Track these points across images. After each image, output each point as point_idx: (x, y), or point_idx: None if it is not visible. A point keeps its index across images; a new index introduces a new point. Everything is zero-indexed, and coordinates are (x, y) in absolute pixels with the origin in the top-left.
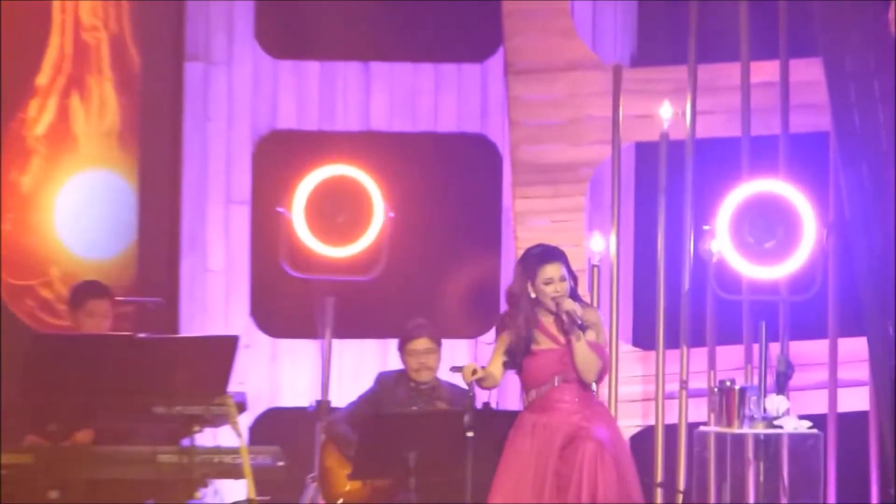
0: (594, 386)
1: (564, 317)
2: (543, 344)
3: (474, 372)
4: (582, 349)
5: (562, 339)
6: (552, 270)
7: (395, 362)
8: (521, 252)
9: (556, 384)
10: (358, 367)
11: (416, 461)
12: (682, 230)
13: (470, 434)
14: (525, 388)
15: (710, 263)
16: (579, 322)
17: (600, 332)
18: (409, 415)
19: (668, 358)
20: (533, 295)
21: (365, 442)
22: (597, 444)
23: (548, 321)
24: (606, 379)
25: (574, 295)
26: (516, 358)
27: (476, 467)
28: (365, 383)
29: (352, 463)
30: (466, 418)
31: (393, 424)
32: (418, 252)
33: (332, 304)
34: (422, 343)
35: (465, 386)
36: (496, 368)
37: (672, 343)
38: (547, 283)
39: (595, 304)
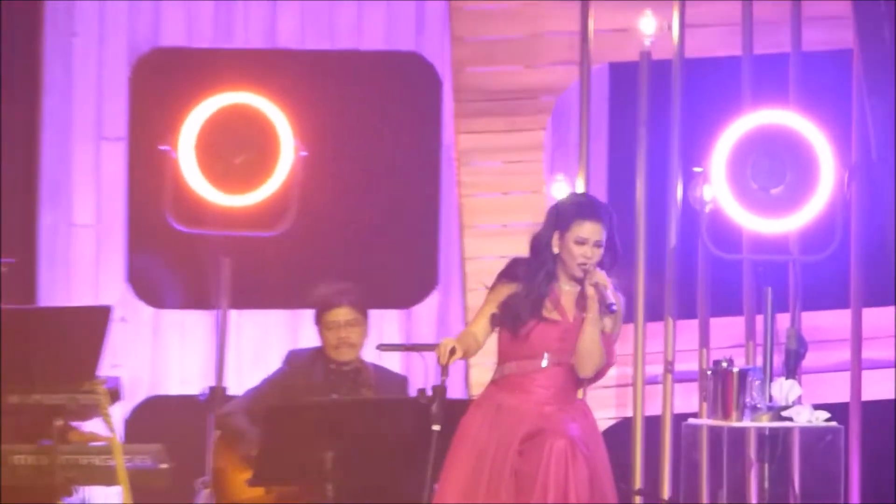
0: (580, 391)
1: (590, 290)
2: (547, 313)
3: (454, 351)
4: (592, 335)
5: (571, 314)
6: (590, 230)
7: (309, 338)
8: (466, 202)
9: (543, 364)
10: (262, 344)
11: (335, 463)
12: (667, 174)
13: (436, 427)
14: (503, 357)
15: (702, 215)
16: (609, 300)
17: (618, 323)
18: (326, 404)
19: (651, 333)
20: (556, 250)
21: (270, 439)
22: (568, 441)
23: (562, 288)
24: None
25: (606, 271)
26: (509, 318)
27: (416, 466)
28: (271, 364)
29: (253, 465)
30: (435, 408)
31: (305, 416)
32: (337, 201)
33: (230, 266)
34: (342, 313)
35: (397, 370)
36: (480, 327)
37: (654, 315)
38: (579, 244)
39: None
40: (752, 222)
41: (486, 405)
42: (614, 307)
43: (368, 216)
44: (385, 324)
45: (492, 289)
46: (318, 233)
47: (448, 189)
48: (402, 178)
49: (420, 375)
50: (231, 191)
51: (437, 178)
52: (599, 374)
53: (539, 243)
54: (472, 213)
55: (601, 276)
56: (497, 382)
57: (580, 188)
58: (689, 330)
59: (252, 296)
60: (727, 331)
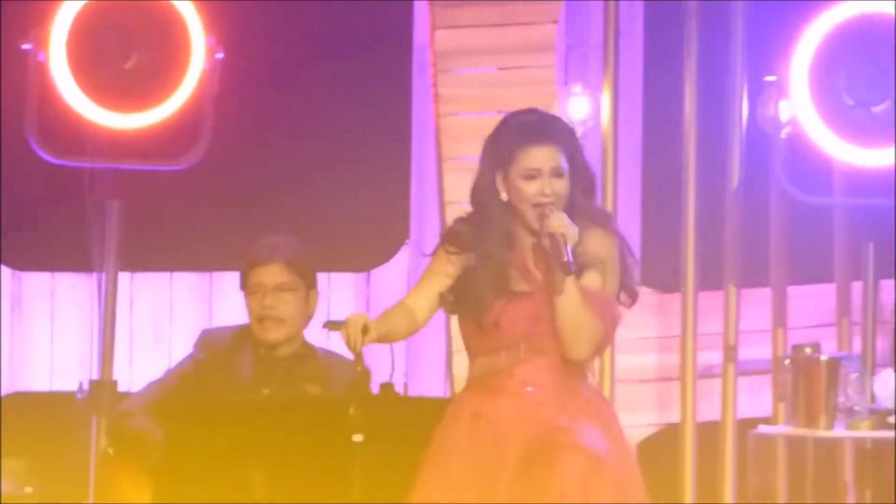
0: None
1: (545, 242)
2: (516, 283)
3: (367, 330)
4: (569, 304)
5: (542, 278)
6: (541, 155)
7: (231, 313)
8: (446, 124)
9: (521, 355)
10: (163, 321)
11: (265, 485)
12: (725, 85)
13: (358, 438)
14: (469, 352)
15: (776, 143)
16: (566, 258)
17: (612, 271)
18: (253, 405)
19: (705, 307)
20: (505, 196)
21: (175, 454)
22: (586, 455)
23: (527, 247)
24: None
25: (578, 205)
26: (469, 305)
27: (371, 492)
28: (177, 349)
29: (155, 482)
30: (353, 411)
31: (224, 422)
32: (269, 124)
33: (118, 211)
34: (271, 273)
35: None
36: (421, 301)
37: (709, 282)
38: (528, 178)
39: None
40: (847, 152)
41: (460, 415)
42: (571, 267)
43: (312, 145)
44: (337, 292)
45: (434, 258)
46: (241, 167)
47: (421, 107)
48: (359, 91)
49: (386, 364)
50: (120, 107)
51: (406, 92)
52: (601, 347)
53: (480, 193)
54: (453, 139)
55: (558, 219)
56: (471, 385)
57: (606, 105)
58: (758, 303)
59: (150, 253)
60: (812, 304)
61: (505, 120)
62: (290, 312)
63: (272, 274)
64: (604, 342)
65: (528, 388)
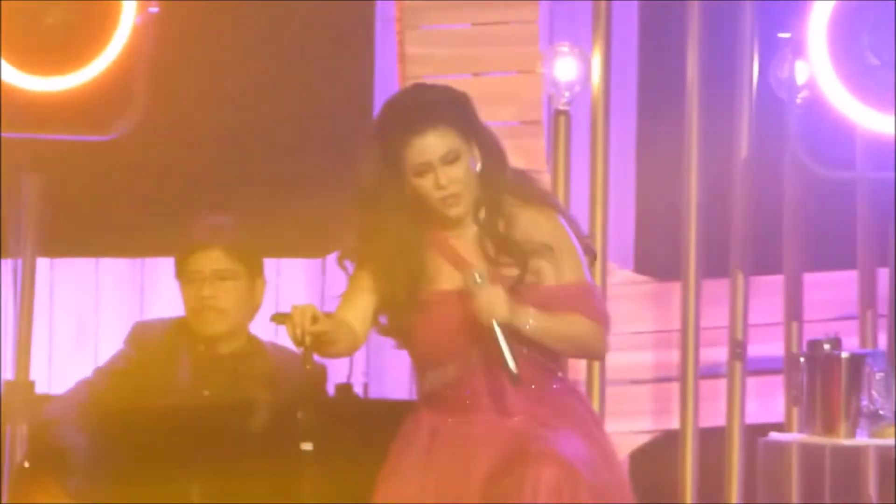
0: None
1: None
2: (447, 281)
3: (315, 319)
4: (546, 335)
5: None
6: (424, 147)
7: (167, 304)
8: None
9: (473, 361)
10: (88, 312)
11: (203, 498)
12: (735, 43)
13: (307, 446)
14: (418, 367)
15: (791, 108)
16: (511, 367)
17: (568, 254)
18: (190, 410)
19: (708, 297)
20: (409, 193)
21: (102, 463)
22: (561, 467)
23: (449, 236)
24: None
25: (497, 181)
26: (395, 316)
27: None
28: (105, 346)
29: (77, 494)
30: (301, 416)
31: (158, 428)
32: (210, 89)
33: (38, 187)
34: (210, 259)
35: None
36: (358, 313)
37: (714, 268)
38: (421, 174)
39: (559, 190)
40: (872, 119)
41: (417, 432)
42: (517, 376)
43: (261, 114)
44: (288, 281)
45: (351, 275)
46: (178, 139)
47: (386, 69)
48: (314, 51)
49: (344, 361)
50: (39, 69)
51: (368, 51)
52: (607, 334)
53: (368, 196)
54: None
55: (484, 300)
56: (425, 401)
57: (597, 65)
58: (769, 292)
59: (73, 237)
60: (831, 293)
61: (383, 109)
62: (232, 303)
63: (211, 260)
64: (608, 325)
65: (487, 401)
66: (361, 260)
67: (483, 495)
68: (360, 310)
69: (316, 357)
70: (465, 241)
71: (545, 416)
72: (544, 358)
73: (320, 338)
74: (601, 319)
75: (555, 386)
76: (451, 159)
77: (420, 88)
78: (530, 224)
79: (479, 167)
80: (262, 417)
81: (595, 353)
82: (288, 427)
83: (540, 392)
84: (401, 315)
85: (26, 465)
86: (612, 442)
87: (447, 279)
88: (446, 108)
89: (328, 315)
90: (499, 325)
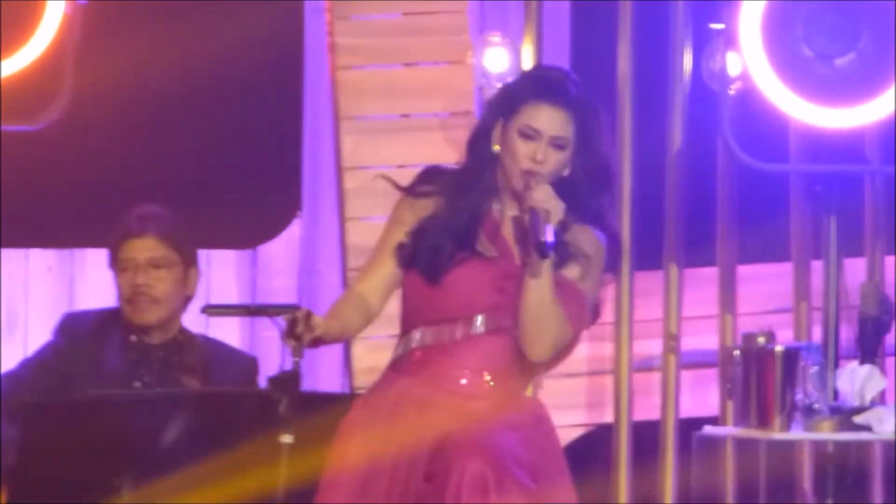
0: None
1: (526, 217)
2: (480, 247)
3: (310, 325)
4: (538, 290)
5: (516, 251)
6: (548, 117)
7: (97, 295)
8: (344, 77)
9: (475, 328)
10: (18, 303)
11: (133, 496)
12: (667, 35)
13: (287, 439)
14: (408, 322)
15: (723, 100)
16: (544, 237)
17: (595, 273)
18: (121, 401)
19: (642, 289)
20: (496, 148)
21: (28, 458)
22: (485, 463)
23: (504, 213)
24: None
25: (578, 196)
26: (424, 252)
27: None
28: (35, 336)
29: (7, 489)
30: (283, 409)
31: (87, 421)
32: (139, 77)
33: None
34: (143, 247)
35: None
36: (375, 283)
37: (647, 261)
38: (526, 138)
39: None
40: (806, 112)
41: (378, 399)
42: (548, 248)
43: (188, 102)
44: (218, 272)
45: (393, 212)
46: (106, 128)
47: (315, 58)
48: (243, 39)
49: (274, 354)
50: None
51: (297, 41)
52: (561, 355)
53: (477, 138)
54: (353, 96)
55: (545, 193)
56: (398, 363)
57: (527, 57)
58: (703, 285)
59: (2, 227)
60: (765, 286)
61: (532, 69)
62: (166, 291)
63: (145, 248)
64: (567, 346)
65: (469, 373)
66: (424, 194)
67: (425, 474)
68: (381, 280)
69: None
70: (506, 219)
71: (510, 411)
72: (526, 365)
73: (319, 340)
74: (574, 327)
75: (524, 388)
76: (559, 144)
77: (574, 77)
78: (581, 234)
79: (567, 172)
80: (196, 408)
81: (542, 343)
82: (233, 419)
83: (512, 386)
84: (432, 255)
85: None
86: (563, 457)
87: (482, 244)
88: (585, 107)
89: (334, 309)
90: (541, 211)
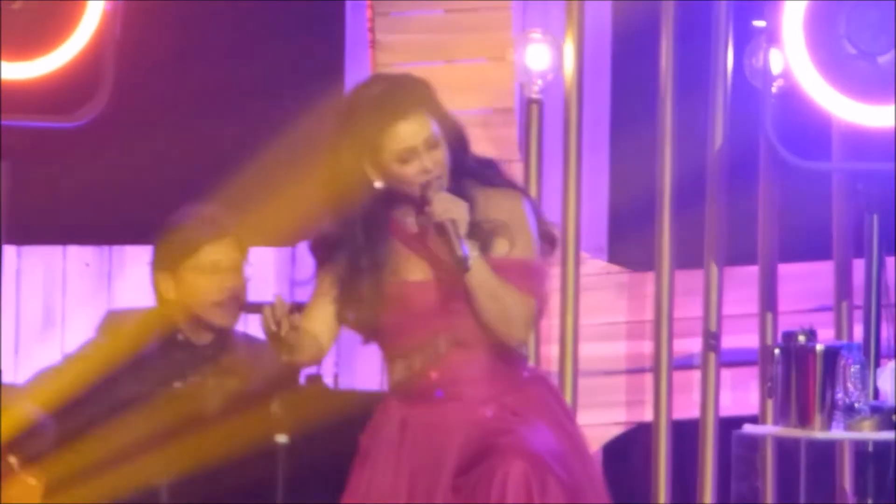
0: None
1: (434, 229)
2: (411, 272)
3: (279, 318)
4: (484, 289)
5: (447, 260)
6: (409, 132)
7: (134, 293)
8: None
9: (441, 350)
10: (56, 301)
11: (173, 497)
12: (707, 31)
13: (282, 439)
14: (386, 356)
15: (766, 98)
16: (459, 251)
17: (522, 232)
18: (165, 398)
19: (682, 288)
20: (379, 184)
21: (66, 457)
22: (530, 460)
23: (415, 224)
24: (545, 329)
25: (461, 164)
26: (360, 309)
27: (297, 500)
28: (74, 335)
29: (45, 484)
30: (275, 407)
31: (126, 421)
32: (178, 75)
33: (4, 174)
34: (226, 250)
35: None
36: (322, 321)
37: (687, 259)
38: (406, 161)
39: (532, 179)
40: (848, 109)
41: (387, 423)
42: (468, 260)
43: (228, 99)
44: (257, 270)
45: (317, 279)
46: (146, 125)
47: (356, 55)
48: (283, 37)
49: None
50: (7, 55)
51: (338, 38)
52: (537, 319)
53: (340, 185)
54: None
55: (443, 204)
56: (395, 391)
57: (569, 54)
58: (743, 283)
59: (40, 224)
60: (806, 285)
61: (353, 98)
62: (242, 294)
63: (228, 250)
64: (540, 311)
65: (461, 389)
66: (323, 259)
67: (454, 488)
68: (325, 318)
69: None
70: (425, 227)
71: (514, 405)
72: (507, 350)
73: (292, 333)
74: (535, 298)
75: (524, 374)
76: (433, 144)
77: (387, 77)
78: (489, 203)
79: (449, 161)
80: (232, 408)
81: (515, 328)
82: (262, 418)
83: (510, 380)
84: (366, 308)
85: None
86: (583, 434)
87: (410, 270)
88: (421, 93)
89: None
90: (448, 223)
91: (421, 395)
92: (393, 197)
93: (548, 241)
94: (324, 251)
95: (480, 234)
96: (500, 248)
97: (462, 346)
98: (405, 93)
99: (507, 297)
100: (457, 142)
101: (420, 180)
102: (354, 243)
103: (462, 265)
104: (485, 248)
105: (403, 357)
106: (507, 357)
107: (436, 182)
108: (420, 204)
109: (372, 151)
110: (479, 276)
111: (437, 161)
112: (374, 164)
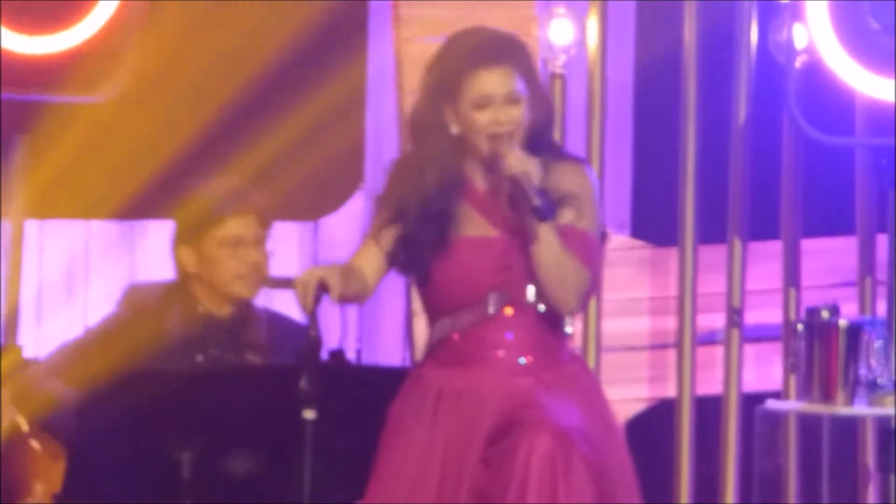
0: (568, 326)
1: (506, 186)
2: (469, 228)
3: (323, 285)
4: (548, 250)
5: (508, 219)
6: (494, 79)
7: (156, 267)
8: (408, 50)
9: (490, 310)
10: (78, 275)
11: (195, 470)
12: (731, 6)
13: (310, 415)
14: (430, 315)
15: (789, 73)
16: (537, 200)
17: (589, 207)
18: (183, 375)
19: (705, 264)
20: (455, 129)
21: (86, 433)
22: (555, 436)
23: (481, 182)
24: None
25: (539, 138)
26: (413, 254)
27: (322, 476)
28: (95, 309)
29: (67, 455)
30: (304, 383)
31: (148, 394)
32: (200, 50)
33: (26, 148)
34: (249, 224)
35: (300, 317)
36: (368, 262)
37: (710, 234)
38: (481, 107)
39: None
40: (872, 85)
41: (419, 393)
42: (544, 210)
43: (251, 75)
44: (280, 244)
45: (375, 213)
46: (168, 101)
47: (380, 30)
48: (308, 13)
49: (336, 327)
50: (28, 29)
51: (361, 13)
52: (590, 292)
53: (423, 128)
54: (417, 67)
55: (517, 158)
56: (433, 353)
57: (592, 29)
58: (767, 258)
59: (62, 199)
60: (829, 260)
61: (448, 42)
62: (264, 268)
63: (251, 225)
64: (592, 287)
65: (500, 353)
66: (399, 192)
67: (483, 459)
68: (374, 260)
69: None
70: (488, 191)
71: (550, 381)
72: (555, 319)
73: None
74: (593, 268)
75: (563, 349)
76: (513, 99)
77: (489, 29)
78: (560, 174)
79: (530, 123)
80: (256, 383)
81: (570, 294)
82: (288, 394)
83: (550, 355)
84: (425, 255)
85: (23, 426)
86: (614, 413)
87: (473, 226)
88: (516, 50)
89: (342, 270)
90: (521, 175)
91: (462, 355)
92: (465, 151)
93: (602, 238)
94: (386, 194)
95: (551, 200)
96: (567, 216)
97: (515, 307)
98: (500, 46)
99: (568, 263)
100: (542, 112)
101: (489, 131)
102: (425, 187)
103: (539, 214)
104: (545, 217)
105: (450, 314)
106: (553, 329)
107: (507, 138)
108: (489, 162)
109: (454, 94)
110: (549, 233)
111: (513, 118)
112: (453, 107)
